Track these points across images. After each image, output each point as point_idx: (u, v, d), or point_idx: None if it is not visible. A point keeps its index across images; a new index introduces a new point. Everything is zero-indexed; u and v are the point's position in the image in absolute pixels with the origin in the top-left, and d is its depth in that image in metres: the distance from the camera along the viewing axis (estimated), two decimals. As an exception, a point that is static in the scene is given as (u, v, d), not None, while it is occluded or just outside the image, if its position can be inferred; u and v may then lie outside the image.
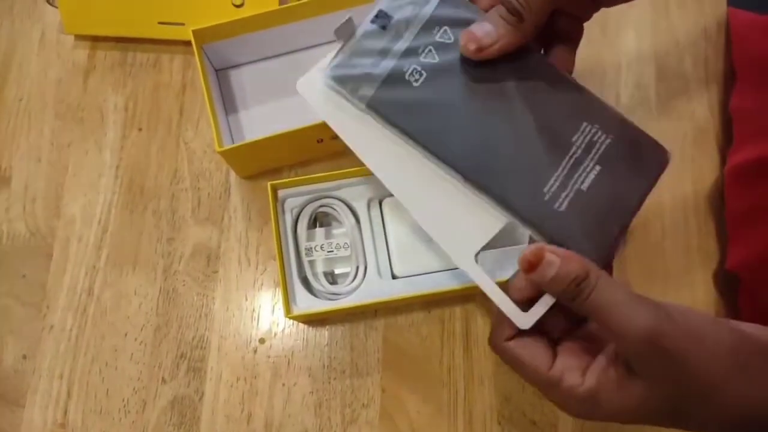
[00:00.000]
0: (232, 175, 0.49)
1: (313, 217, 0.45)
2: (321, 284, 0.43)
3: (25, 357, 0.46)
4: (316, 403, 0.45)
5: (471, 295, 0.46)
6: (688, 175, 0.49)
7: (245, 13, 0.47)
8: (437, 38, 0.27)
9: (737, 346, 0.29)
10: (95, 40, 0.53)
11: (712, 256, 0.47)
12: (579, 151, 0.32)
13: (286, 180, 0.43)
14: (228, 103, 0.50)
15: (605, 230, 0.32)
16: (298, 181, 0.44)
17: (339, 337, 0.46)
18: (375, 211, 0.45)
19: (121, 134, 0.51)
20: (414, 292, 0.42)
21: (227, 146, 0.43)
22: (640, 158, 0.33)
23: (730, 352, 0.29)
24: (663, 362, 0.29)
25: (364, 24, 0.30)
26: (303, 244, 0.44)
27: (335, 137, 0.46)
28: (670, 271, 0.47)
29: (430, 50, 0.28)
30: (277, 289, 0.47)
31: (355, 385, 0.45)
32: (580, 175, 0.32)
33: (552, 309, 0.33)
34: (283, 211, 0.44)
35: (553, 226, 0.32)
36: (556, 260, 0.30)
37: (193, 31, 0.45)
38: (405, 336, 0.46)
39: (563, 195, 0.31)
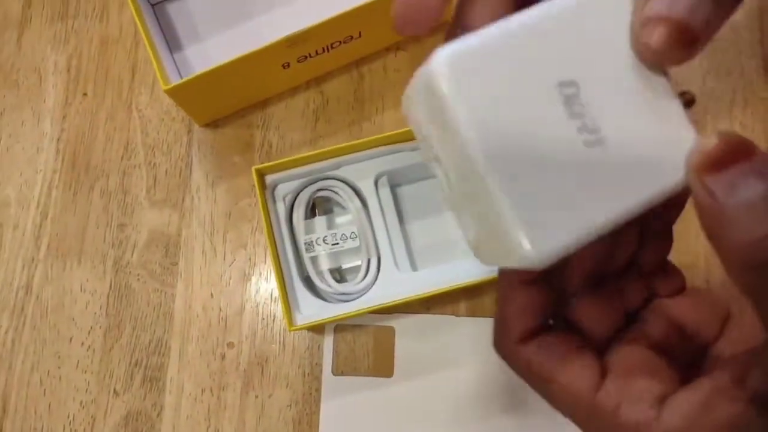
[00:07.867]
0: (195, 147, 0.42)
1: (310, 204, 0.38)
2: (328, 284, 0.36)
3: (-48, 366, 0.39)
4: (295, 418, 0.38)
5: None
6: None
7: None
8: None
9: None
10: (30, -13, 0.45)
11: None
12: None
13: (275, 162, 0.35)
14: (171, 40, 0.42)
15: None
16: (289, 163, 0.36)
17: (321, 340, 0.39)
18: (384, 190, 0.37)
19: (63, 100, 0.43)
20: (444, 286, 0.34)
21: (174, 83, 0.35)
22: None
23: None
24: None
25: None
26: (302, 238, 0.37)
27: (302, 59, 0.38)
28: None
29: None
30: (248, 284, 0.40)
31: (341, 397, 0.38)
32: None
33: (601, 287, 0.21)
34: (274, 200, 0.37)
35: None
36: None
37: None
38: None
39: None
